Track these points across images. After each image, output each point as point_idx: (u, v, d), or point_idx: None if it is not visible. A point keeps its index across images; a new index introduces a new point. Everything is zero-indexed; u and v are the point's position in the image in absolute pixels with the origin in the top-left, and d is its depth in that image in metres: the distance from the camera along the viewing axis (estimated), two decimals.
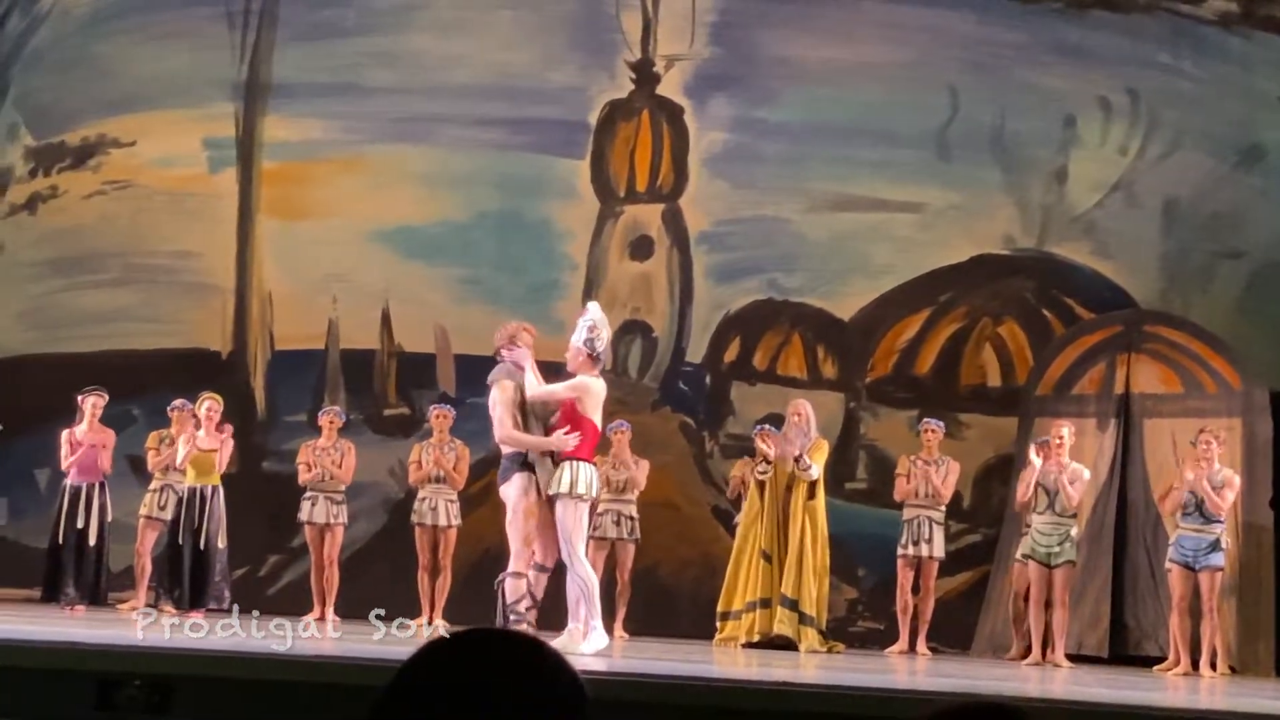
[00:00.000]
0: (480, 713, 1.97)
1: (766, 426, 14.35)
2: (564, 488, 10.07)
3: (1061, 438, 13.23)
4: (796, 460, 13.34)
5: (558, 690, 2.04)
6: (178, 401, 14.43)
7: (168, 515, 14.24)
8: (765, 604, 13.47)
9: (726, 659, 12.10)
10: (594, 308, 10.61)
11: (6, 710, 7.02)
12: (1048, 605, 13.17)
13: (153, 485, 14.37)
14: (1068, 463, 13.22)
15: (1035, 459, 13.23)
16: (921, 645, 14.07)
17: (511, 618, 10.18)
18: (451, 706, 1.98)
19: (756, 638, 13.36)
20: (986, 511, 15.36)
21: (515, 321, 10.69)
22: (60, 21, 16.78)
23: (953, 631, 14.66)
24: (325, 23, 16.68)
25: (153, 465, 14.36)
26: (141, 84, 16.59)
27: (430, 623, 14.34)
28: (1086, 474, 13.37)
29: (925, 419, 14.62)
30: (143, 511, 14.30)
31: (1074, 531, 13.28)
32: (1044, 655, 13.15)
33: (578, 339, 10.39)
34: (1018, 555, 14.02)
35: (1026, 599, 13.91)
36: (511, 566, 10.22)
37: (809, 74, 16.22)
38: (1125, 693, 9.58)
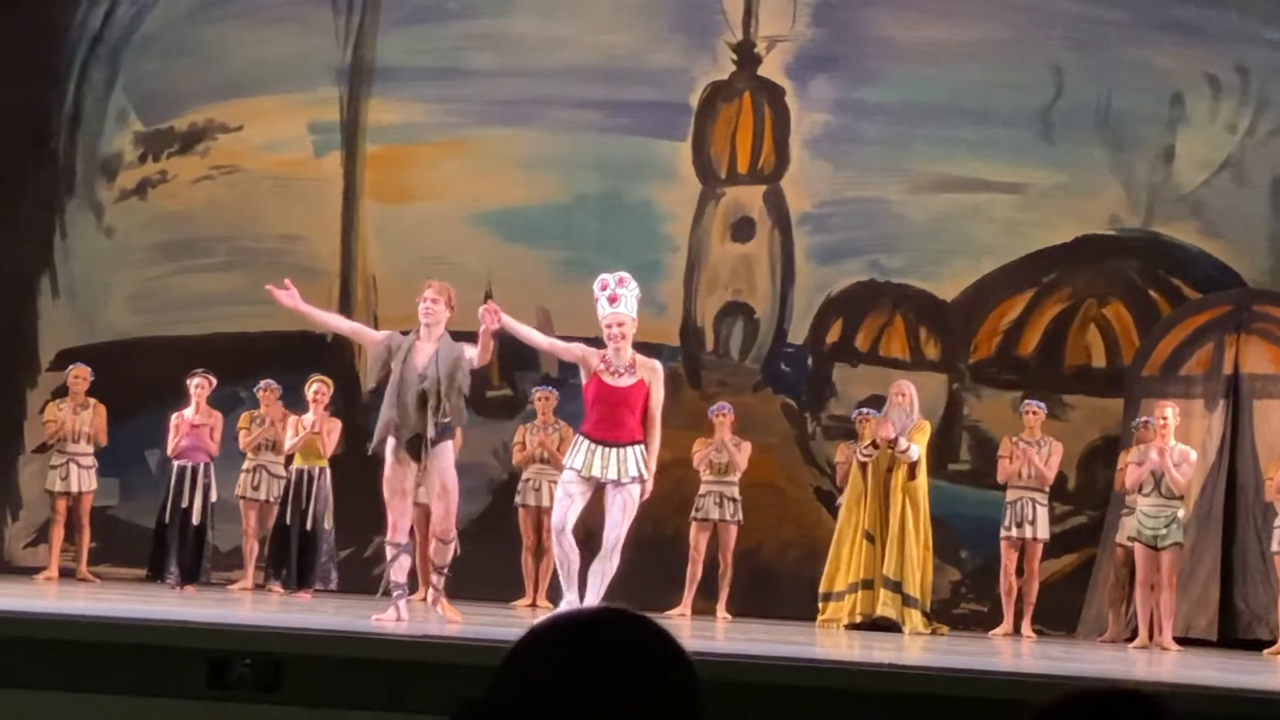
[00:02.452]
0: (594, 692, 1.98)
1: (866, 410, 14.33)
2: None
3: (1165, 419, 13.10)
4: (893, 442, 13.30)
5: (670, 669, 2.05)
6: (264, 382, 14.61)
7: (262, 495, 14.43)
8: (868, 585, 13.45)
9: (829, 640, 12.10)
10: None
11: (120, 688, 7.14)
12: (1154, 588, 13.06)
13: (245, 465, 14.55)
14: (1173, 444, 13.09)
15: (1153, 454, 13.05)
16: (1026, 628, 14.00)
17: (435, 579, 10.11)
18: (564, 686, 1.99)
19: (859, 619, 13.35)
20: (1092, 493, 15.24)
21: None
22: (168, 8, 16.96)
23: (1058, 614, 14.58)
24: (427, 6, 16.77)
25: (244, 445, 14.54)
26: (248, 69, 16.74)
27: (534, 604, 14.45)
28: (1194, 455, 13.23)
29: (1027, 400, 14.54)
30: (238, 492, 14.50)
31: (1181, 514, 13.14)
32: (1151, 638, 13.05)
33: (635, 310, 10.00)
34: (1119, 538, 13.92)
35: (1125, 582, 13.82)
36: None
37: (911, 54, 16.14)
38: (1235, 676, 9.49)
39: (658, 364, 10.11)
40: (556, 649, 2.02)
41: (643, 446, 9.84)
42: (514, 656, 2.03)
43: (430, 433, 9.79)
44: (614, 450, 9.78)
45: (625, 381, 9.85)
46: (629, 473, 9.77)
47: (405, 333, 10.27)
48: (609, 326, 9.92)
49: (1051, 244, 15.94)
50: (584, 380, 9.99)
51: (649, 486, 9.90)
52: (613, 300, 9.93)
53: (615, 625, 2.04)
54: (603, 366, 9.89)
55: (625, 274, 10.05)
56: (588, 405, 9.97)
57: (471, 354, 9.97)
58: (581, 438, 9.93)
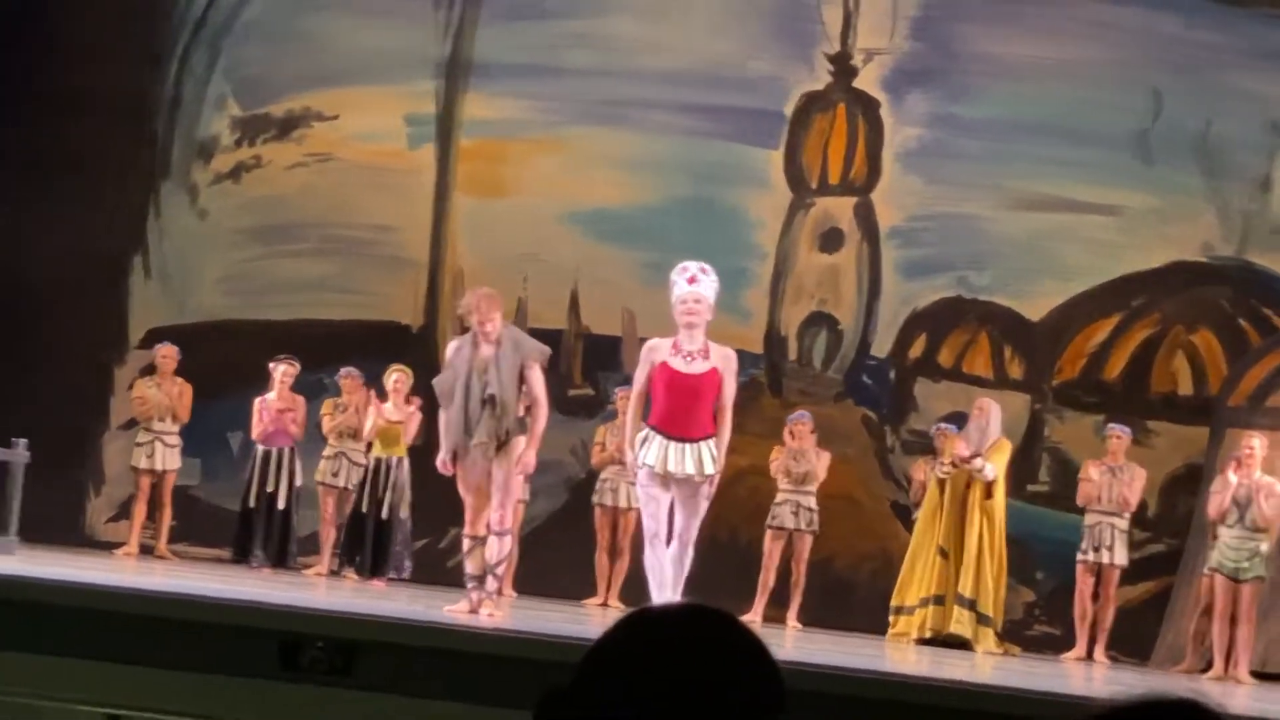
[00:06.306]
0: (679, 686, 1.99)
1: (946, 426, 14.27)
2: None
3: (1251, 449, 12.97)
4: (969, 460, 13.24)
5: (755, 671, 2.05)
6: (345, 370, 14.71)
7: (341, 482, 14.52)
8: (939, 601, 13.41)
9: (898, 654, 12.06)
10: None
11: (196, 665, 7.22)
12: (1233, 620, 12.93)
13: (327, 452, 14.65)
14: (1259, 476, 12.96)
15: (1232, 477, 12.94)
16: (1099, 653, 13.90)
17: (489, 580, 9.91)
18: (650, 679, 1.99)
19: (929, 634, 13.30)
20: (1172, 521, 15.10)
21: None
22: None
23: (1132, 641, 14.45)
24: (527, 4, 16.83)
25: (327, 431, 14.64)
26: (346, 59, 16.85)
27: (605, 603, 14.47)
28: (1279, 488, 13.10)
29: (1112, 425, 14.42)
30: (317, 478, 14.60)
31: (1264, 547, 13.00)
32: (1226, 670, 12.92)
33: (714, 295, 9.53)
34: (1206, 568, 13.77)
35: (1209, 613, 13.68)
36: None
37: (1009, 71, 16.04)
38: None
39: (731, 353, 9.61)
40: (645, 642, 2.03)
41: (714, 440, 9.38)
42: (601, 647, 2.04)
43: (501, 437, 9.72)
44: (687, 445, 9.28)
45: (698, 368, 9.32)
46: (705, 470, 9.28)
47: (466, 330, 10.23)
48: (684, 303, 9.32)
49: (1143, 268, 15.80)
50: (647, 370, 9.44)
51: (716, 481, 9.50)
52: (691, 281, 9.41)
53: (705, 622, 2.05)
54: (673, 352, 9.34)
55: (709, 265, 9.63)
56: (655, 395, 9.40)
57: (537, 360, 9.86)
58: (652, 431, 9.36)
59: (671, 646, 2.02)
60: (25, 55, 16.44)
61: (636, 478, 9.70)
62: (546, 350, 10.18)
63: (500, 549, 9.93)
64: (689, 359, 9.34)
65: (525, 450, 9.79)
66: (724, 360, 9.46)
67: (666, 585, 9.33)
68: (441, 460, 9.96)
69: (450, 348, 10.18)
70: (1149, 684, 11.16)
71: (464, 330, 10.32)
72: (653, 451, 9.31)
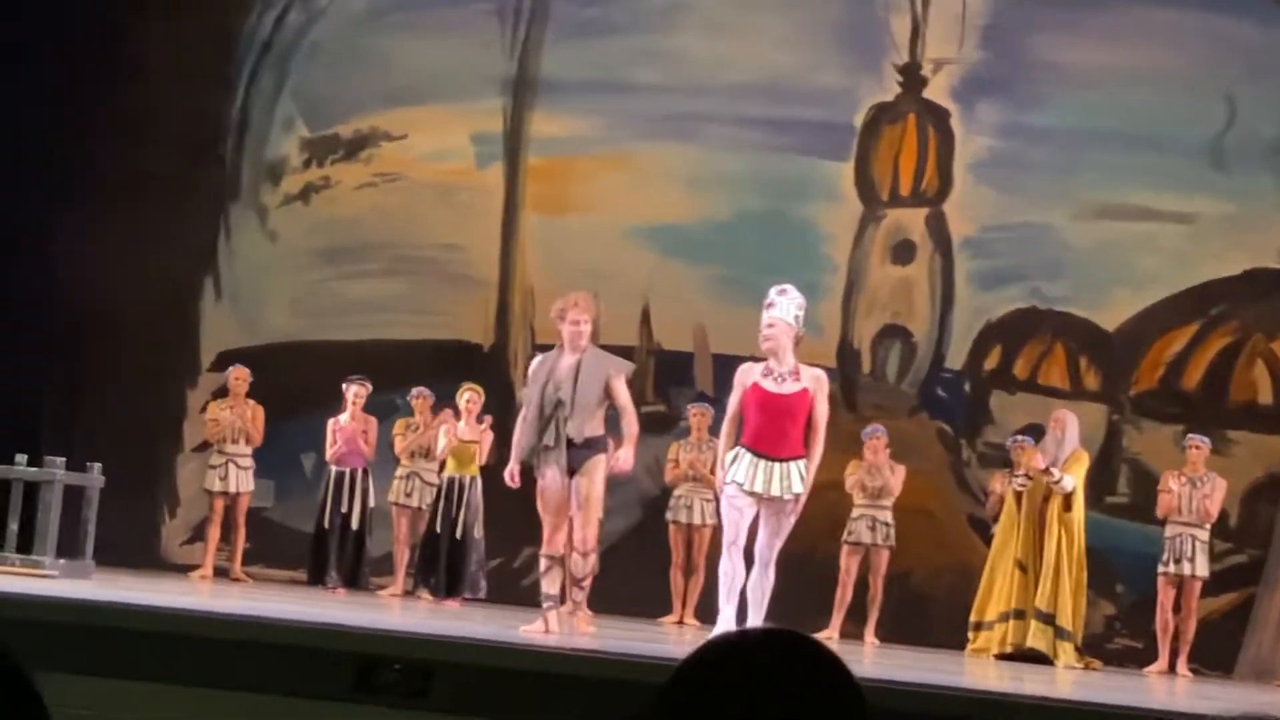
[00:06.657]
0: (762, 714, 1.95)
1: (1022, 438, 14.15)
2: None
3: None
4: (1045, 472, 13.11)
5: (837, 694, 2.01)
6: (417, 389, 14.73)
7: (414, 502, 14.54)
8: (1019, 615, 13.28)
9: (978, 669, 11.94)
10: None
11: (272, 687, 7.20)
12: None
13: (399, 472, 14.67)
14: None
15: None
16: (1182, 666, 13.73)
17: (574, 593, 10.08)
18: (733, 707, 1.96)
19: (1009, 649, 13.17)
20: (1254, 532, 14.91)
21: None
22: (338, 16, 17.17)
23: (1215, 653, 14.27)
24: (594, 20, 16.82)
25: (399, 452, 14.65)
26: (413, 79, 16.90)
27: (681, 620, 14.41)
28: None
29: (1191, 435, 14.26)
30: (390, 498, 14.62)
31: None
32: None
33: (791, 315, 9.68)
34: None
35: None
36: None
37: (1080, 79, 15.91)
38: None
39: (822, 374, 9.78)
40: (726, 669, 1.99)
41: (804, 461, 9.50)
42: (682, 673, 2.00)
43: (573, 438, 9.71)
44: (776, 465, 9.42)
45: (789, 388, 9.49)
46: (792, 489, 9.41)
47: (547, 347, 10.30)
48: (760, 330, 9.63)
49: (1219, 276, 15.63)
50: (740, 394, 9.60)
51: (803, 501, 9.61)
52: (768, 306, 9.68)
53: (787, 648, 2.01)
54: (764, 374, 9.53)
55: (789, 285, 9.83)
56: (747, 415, 9.53)
57: (621, 373, 9.94)
58: (743, 450, 9.49)
59: (752, 673, 1.98)
60: (95, 79, 16.53)
61: (722, 493, 9.71)
62: (630, 364, 10.32)
63: (585, 566, 9.98)
64: (780, 380, 9.51)
65: (622, 449, 9.86)
66: (815, 381, 9.61)
67: (735, 593, 9.41)
68: (510, 471, 10.02)
69: (534, 363, 10.25)
70: (1232, 697, 11.00)
71: (535, 348, 10.40)
72: (742, 469, 9.43)
